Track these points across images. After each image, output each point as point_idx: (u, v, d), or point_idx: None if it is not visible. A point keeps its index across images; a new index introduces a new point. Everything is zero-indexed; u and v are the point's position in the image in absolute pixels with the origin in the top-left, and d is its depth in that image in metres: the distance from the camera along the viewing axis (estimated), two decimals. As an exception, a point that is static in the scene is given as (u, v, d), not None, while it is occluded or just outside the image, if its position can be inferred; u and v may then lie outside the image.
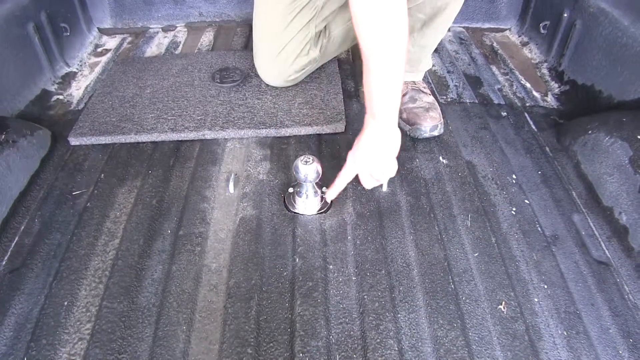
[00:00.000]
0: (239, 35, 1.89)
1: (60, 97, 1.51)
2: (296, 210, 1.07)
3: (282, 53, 1.34)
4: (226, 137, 1.29)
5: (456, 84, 1.55)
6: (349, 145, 1.24)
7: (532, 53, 1.73)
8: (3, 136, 1.11)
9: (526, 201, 1.10)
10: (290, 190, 1.11)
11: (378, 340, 0.82)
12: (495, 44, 1.80)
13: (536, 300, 0.89)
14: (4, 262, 0.97)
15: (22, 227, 1.04)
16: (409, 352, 0.81)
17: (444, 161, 1.21)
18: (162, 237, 1.01)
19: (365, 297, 0.89)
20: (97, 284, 0.92)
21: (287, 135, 1.29)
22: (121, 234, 1.02)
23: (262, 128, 1.29)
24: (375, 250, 0.98)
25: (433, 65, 1.62)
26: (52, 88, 1.53)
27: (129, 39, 1.89)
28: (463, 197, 1.11)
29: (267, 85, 1.46)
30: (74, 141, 1.27)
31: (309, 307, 0.87)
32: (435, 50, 1.69)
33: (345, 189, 1.12)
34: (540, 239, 1.01)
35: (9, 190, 1.09)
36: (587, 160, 1.17)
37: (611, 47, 1.33)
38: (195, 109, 1.36)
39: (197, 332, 0.84)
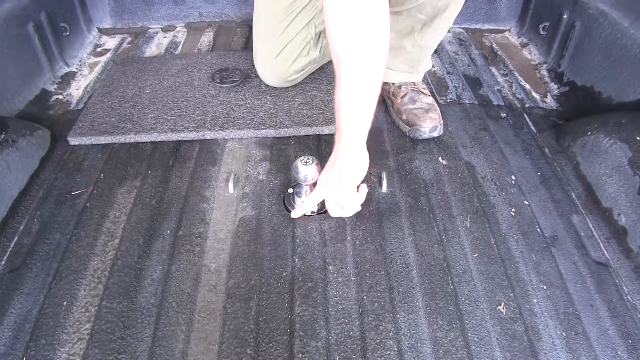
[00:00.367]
0: (238, 35, 1.89)
1: (60, 97, 1.50)
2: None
3: (282, 53, 1.34)
4: (226, 137, 1.29)
5: (456, 85, 1.55)
6: (349, 146, 1.25)
7: (532, 54, 1.73)
8: (3, 136, 1.11)
9: (525, 202, 1.10)
10: (290, 190, 1.11)
11: (377, 340, 0.82)
12: (494, 45, 1.80)
13: (535, 301, 0.89)
14: (3, 262, 0.97)
15: (22, 227, 1.04)
16: (408, 353, 0.81)
17: (444, 162, 1.22)
18: (162, 237, 1.01)
19: (365, 297, 0.89)
20: (96, 284, 0.92)
21: (286, 135, 1.29)
22: (120, 234, 1.02)
23: (262, 128, 1.29)
24: (374, 251, 0.98)
25: (433, 66, 1.62)
26: (52, 88, 1.53)
27: (129, 39, 1.89)
28: (462, 198, 1.11)
29: (267, 85, 1.46)
30: (73, 141, 1.27)
31: (308, 308, 0.87)
32: (435, 51, 1.69)
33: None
34: (540, 240, 1.01)
35: (9, 190, 1.08)
36: (587, 162, 1.17)
37: (610, 48, 1.33)
38: (194, 109, 1.36)
39: (196, 332, 0.84)
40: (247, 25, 1.93)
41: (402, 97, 1.32)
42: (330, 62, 1.55)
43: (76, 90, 1.55)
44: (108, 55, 1.76)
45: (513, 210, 1.08)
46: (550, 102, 1.49)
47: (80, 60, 1.70)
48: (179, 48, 1.81)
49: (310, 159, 1.01)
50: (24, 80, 1.42)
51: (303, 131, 1.29)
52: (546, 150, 1.27)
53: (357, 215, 1.06)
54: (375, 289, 0.91)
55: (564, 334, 0.84)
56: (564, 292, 0.91)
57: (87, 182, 1.16)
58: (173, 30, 1.94)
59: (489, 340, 0.83)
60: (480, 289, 0.91)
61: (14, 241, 1.01)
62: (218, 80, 1.48)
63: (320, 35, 1.40)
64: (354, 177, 0.94)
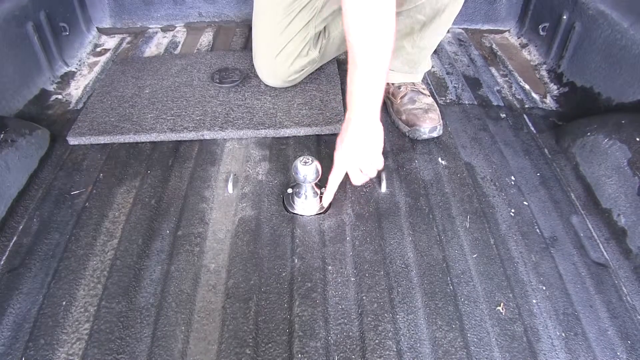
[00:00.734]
0: (238, 35, 1.89)
1: (59, 96, 1.50)
2: (295, 211, 1.07)
3: (281, 54, 1.34)
4: (225, 137, 1.29)
5: (455, 85, 1.55)
6: (348, 146, 1.25)
7: (531, 55, 1.73)
8: (2, 135, 1.11)
9: (525, 203, 1.10)
10: (289, 190, 1.11)
11: (377, 341, 0.82)
12: (494, 46, 1.80)
13: (534, 301, 0.89)
14: (2, 262, 0.97)
15: (21, 227, 1.04)
16: (408, 353, 0.81)
17: (443, 162, 1.22)
18: (161, 237, 1.01)
19: (364, 298, 0.89)
20: (95, 284, 0.92)
21: (286, 135, 1.29)
22: (120, 234, 1.02)
23: (261, 128, 1.29)
24: (374, 251, 0.98)
25: (432, 67, 1.62)
26: (51, 88, 1.53)
27: (128, 38, 1.88)
28: (462, 199, 1.11)
29: (266, 85, 1.46)
30: (72, 141, 1.27)
31: (307, 308, 0.87)
32: (435, 52, 1.69)
33: (345, 190, 1.12)
34: (539, 241, 1.01)
35: (8, 189, 1.08)
36: (586, 162, 1.17)
37: (610, 49, 1.33)
38: (194, 109, 1.36)
39: (195, 333, 0.84)
40: (247, 25, 1.93)
41: (401, 98, 1.32)
42: (329, 63, 1.56)
43: (75, 90, 1.55)
44: (107, 55, 1.76)
45: (512, 210, 1.08)
46: (549, 102, 1.49)
47: (79, 60, 1.70)
48: (179, 48, 1.81)
49: (310, 159, 1.01)
50: (23, 80, 1.42)
51: (302, 131, 1.29)
52: (546, 150, 1.27)
53: (357, 215, 1.06)
54: (374, 289, 0.91)
55: (563, 334, 0.84)
56: (564, 293, 0.91)
57: (86, 182, 1.15)
58: (172, 30, 1.94)
59: (488, 341, 0.83)
60: (479, 290, 0.91)
61: (13, 241, 1.01)
62: (217, 80, 1.48)
63: (320, 35, 1.40)
64: (376, 144, 1.02)
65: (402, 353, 0.81)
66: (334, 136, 1.28)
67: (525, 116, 1.41)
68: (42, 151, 1.23)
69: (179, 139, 1.28)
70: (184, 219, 1.05)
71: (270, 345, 0.82)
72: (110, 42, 1.85)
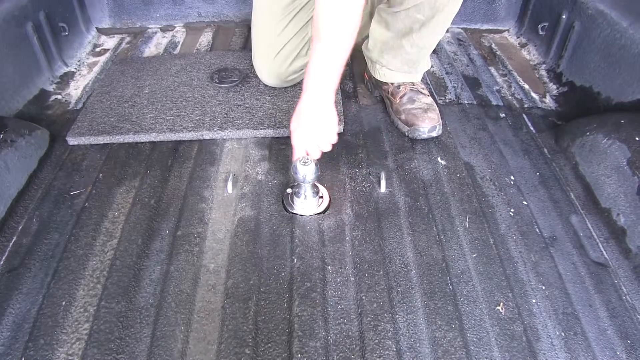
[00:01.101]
0: (237, 35, 1.89)
1: (59, 96, 1.50)
2: (295, 211, 1.07)
3: (280, 54, 1.34)
4: (225, 137, 1.29)
5: (454, 85, 1.55)
6: (348, 146, 1.25)
7: (531, 54, 1.73)
8: (1, 136, 1.11)
9: (524, 202, 1.10)
10: (289, 190, 1.11)
11: (376, 340, 0.82)
12: (493, 45, 1.80)
13: (534, 301, 0.90)
14: (2, 262, 0.97)
15: (20, 227, 1.04)
16: (407, 353, 0.81)
17: (443, 162, 1.22)
18: (161, 237, 1.01)
19: (364, 297, 0.89)
20: (95, 284, 0.92)
21: (285, 135, 1.29)
22: (119, 234, 1.02)
23: (261, 128, 1.29)
24: (373, 251, 0.98)
25: (432, 67, 1.62)
26: (51, 88, 1.53)
27: (128, 38, 1.88)
28: (461, 198, 1.11)
29: (266, 85, 1.46)
30: (72, 141, 1.27)
31: (307, 308, 0.87)
32: (434, 51, 1.69)
33: (344, 190, 1.12)
34: (539, 240, 1.01)
35: (7, 189, 1.08)
36: (585, 162, 1.17)
37: (609, 48, 1.34)
38: (193, 109, 1.36)
39: (195, 333, 0.84)
40: (246, 26, 1.93)
41: (400, 97, 1.32)
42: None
43: (75, 90, 1.55)
44: (107, 55, 1.76)
45: (512, 210, 1.08)
46: (549, 102, 1.49)
47: (79, 60, 1.70)
48: (178, 48, 1.81)
49: (309, 158, 1.01)
50: (22, 80, 1.42)
51: (302, 131, 1.29)
52: (545, 150, 1.27)
53: (356, 215, 1.06)
54: (374, 289, 0.91)
55: (562, 334, 0.84)
56: (563, 292, 0.91)
57: (85, 182, 1.15)
58: (172, 30, 1.94)
59: (488, 341, 0.83)
60: (479, 289, 0.91)
61: (13, 241, 1.01)
62: (217, 80, 1.48)
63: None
64: (326, 125, 1.05)
65: (402, 353, 0.81)
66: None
67: (524, 116, 1.41)
68: (42, 151, 1.23)
69: (179, 139, 1.28)
70: (183, 219, 1.05)
71: (269, 345, 0.82)
72: (109, 42, 1.85)
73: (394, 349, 0.81)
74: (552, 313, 0.88)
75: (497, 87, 1.55)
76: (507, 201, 1.11)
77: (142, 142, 1.28)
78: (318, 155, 1.07)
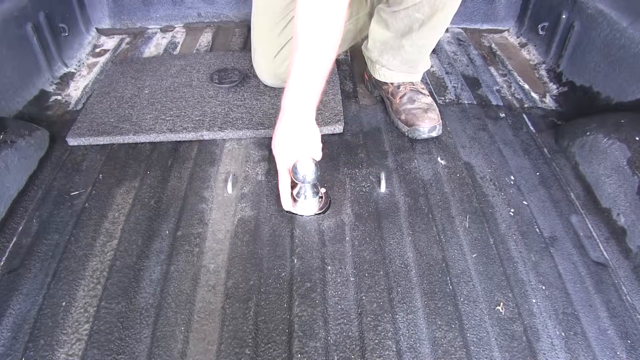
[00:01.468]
0: (237, 35, 1.89)
1: (59, 97, 1.50)
2: (294, 211, 1.07)
3: (280, 54, 1.34)
4: (224, 137, 1.29)
5: (454, 85, 1.55)
6: (348, 146, 1.25)
7: (531, 54, 1.73)
8: (1, 136, 1.11)
9: (524, 202, 1.10)
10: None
11: (376, 341, 0.82)
12: (493, 45, 1.80)
13: (534, 301, 0.89)
14: (2, 263, 0.97)
15: (20, 228, 1.04)
16: (407, 353, 0.81)
17: (442, 162, 1.22)
18: (160, 237, 1.01)
19: (364, 298, 0.89)
20: (95, 284, 0.92)
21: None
22: (119, 235, 1.02)
23: (261, 129, 1.29)
24: (373, 251, 0.98)
25: (431, 66, 1.62)
26: (51, 88, 1.53)
27: (127, 39, 1.89)
28: (461, 198, 1.11)
29: (266, 86, 1.46)
30: (72, 141, 1.27)
31: (307, 308, 0.87)
32: (434, 51, 1.69)
33: (344, 190, 1.12)
34: (539, 240, 1.01)
35: (7, 190, 1.08)
36: (586, 162, 1.17)
37: (609, 48, 1.33)
38: (193, 109, 1.36)
39: (195, 333, 0.84)
40: (246, 26, 1.93)
41: (400, 97, 1.32)
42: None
43: (75, 90, 1.55)
44: (107, 55, 1.76)
45: (512, 210, 1.08)
46: (549, 102, 1.49)
47: (79, 61, 1.70)
48: (178, 48, 1.81)
49: (309, 159, 1.00)
50: (22, 80, 1.42)
51: (302, 131, 1.29)
52: (545, 150, 1.27)
53: (356, 215, 1.06)
54: (374, 289, 0.91)
55: (563, 334, 0.84)
56: (563, 293, 0.91)
57: (85, 182, 1.15)
58: (172, 31, 1.94)
59: (488, 341, 0.83)
60: (479, 289, 0.91)
61: (13, 242, 1.01)
62: (217, 81, 1.48)
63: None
64: (305, 141, 1.01)
65: (402, 353, 0.81)
66: (333, 136, 1.29)
67: (524, 116, 1.41)
68: (42, 152, 1.23)
69: (178, 140, 1.28)
70: (183, 220, 1.05)
71: (269, 345, 0.82)
72: (109, 43, 1.85)
73: (394, 349, 0.81)
74: (552, 313, 0.88)
75: (497, 87, 1.55)
76: (507, 201, 1.11)
77: (142, 143, 1.28)
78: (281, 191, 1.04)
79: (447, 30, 1.86)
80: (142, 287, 0.91)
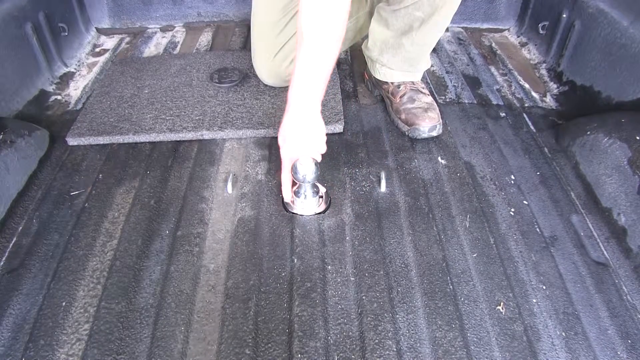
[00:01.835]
0: (237, 35, 1.88)
1: (58, 97, 1.50)
2: (295, 211, 1.07)
3: (280, 53, 1.34)
4: (224, 137, 1.29)
5: (455, 84, 1.55)
6: (348, 146, 1.25)
7: (531, 53, 1.73)
8: (1, 136, 1.11)
9: (525, 202, 1.10)
10: (289, 190, 1.11)
11: (376, 341, 0.82)
12: (494, 45, 1.80)
13: (535, 301, 0.89)
14: (1, 263, 0.96)
15: (20, 228, 1.04)
16: (408, 353, 0.81)
17: (443, 162, 1.21)
18: (160, 237, 1.01)
19: (364, 297, 0.89)
20: (95, 284, 0.92)
21: (285, 135, 1.29)
22: (119, 235, 1.02)
23: (261, 128, 1.29)
24: (373, 251, 0.98)
25: (432, 66, 1.62)
26: (50, 88, 1.53)
27: (127, 39, 1.88)
28: (462, 198, 1.11)
29: (266, 85, 1.46)
30: (72, 141, 1.27)
31: (307, 308, 0.87)
32: (434, 51, 1.69)
33: (344, 190, 1.12)
34: (539, 240, 1.01)
35: (7, 190, 1.08)
36: (586, 161, 1.17)
37: (610, 47, 1.33)
38: (193, 109, 1.36)
39: (195, 333, 0.84)
40: (246, 25, 1.93)
41: (401, 97, 1.31)
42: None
43: (75, 90, 1.55)
44: (106, 55, 1.76)
45: (512, 210, 1.08)
46: (549, 101, 1.49)
47: (78, 61, 1.70)
48: (178, 48, 1.81)
49: (309, 158, 1.00)
50: (22, 80, 1.42)
51: (302, 131, 1.29)
52: (545, 149, 1.27)
53: (356, 215, 1.06)
54: (374, 289, 0.91)
55: (563, 334, 0.84)
56: (564, 292, 0.91)
57: (85, 182, 1.15)
58: (171, 30, 1.94)
59: (488, 340, 0.83)
60: (479, 289, 0.91)
61: (13, 242, 1.01)
62: (217, 80, 1.48)
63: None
64: (310, 135, 1.03)
65: (402, 353, 0.81)
66: (333, 135, 1.28)
67: (524, 115, 1.41)
68: (42, 152, 1.23)
69: (178, 139, 1.28)
70: (183, 219, 1.05)
71: (269, 345, 0.82)
72: (109, 43, 1.85)
73: (394, 349, 0.81)
74: (553, 313, 0.87)
75: (498, 87, 1.55)
76: (508, 201, 1.10)
77: (142, 143, 1.28)
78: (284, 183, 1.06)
79: (447, 30, 1.86)
80: (142, 287, 0.91)
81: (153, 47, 1.81)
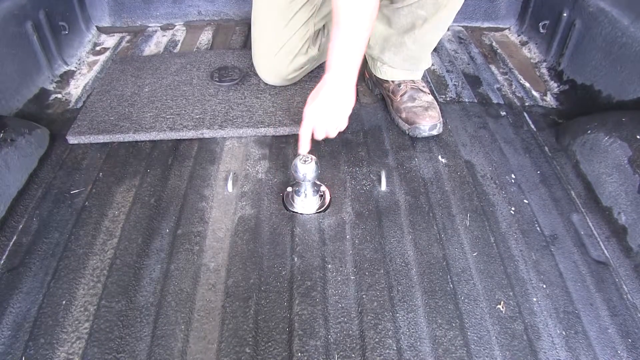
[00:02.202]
0: (237, 34, 1.88)
1: (59, 95, 1.50)
2: (295, 210, 1.07)
3: (280, 52, 1.33)
4: (225, 136, 1.29)
5: (455, 83, 1.55)
6: (348, 145, 1.25)
7: (532, 52, 1.73)
8: (1, 135, 1.11)
9: (525, 201, 1.10)
10: (289, 189, 1.11)
11: (377, 339, 0.82)
12: (494, 44, 1.80)
13: (535, 300, 0.89)
14: (2, 261, 0.96)
15: (21, 226, 1.04)
16: (408, 352, 0.81)
17: (443, 160, 1.21)
18: (161, 236, 1.01)
19: (364, 296, 0.89)
20: (95, 283, 0.92)
21: (285, 134, 1.29)
22: (119, 233, 1.02)
23: (261, 127, 1.29)
24: (374, 250, 0.98)
25: (432, 65, 1.62)
26: (51, 87, 1.52)
27: (128, 37, 1.88)
28: (462, 197, 1.11)
29: (266, 84, 1.46)
30: (72, 140, 1.27)
31: (307, 307, 0.87)
32: (435, 50, 1.68)
33: (345, 189, 1.12)
34: (539, 239, 1.01)
35: (7, 189, 1.08)
36: (586, 160, 1.17)
37: (610, 46, 1.33)
38: (193, 107, 1.36)
39: (195, 332, 0.84)
40: (246, 24, 1.93)
41: (401, 95, 1.31)
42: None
43: (75, 89, 1.54)
44: (107, 54, 1.76)
45: (513, 208, 1.08)
46: (550, 100, 1.48)
47: (79, 59, 1.70)
48: (178, 46, 1.81)
49: (310, 157, 1.00)
50: (22, 79, 1.42)
51: (302, 130, 1.29)
52: (546, 148, 1.26)
53: (357, 214, 1.06)
54: (374, 287, 0.91)
55: (563, 332, 0.84)
56: (564, 291, 0.91)
57: (86, 181, 1.15)
58: (172, 29, 1.94)
59: (489, 339, 0.83)
60: (479, 288, 0.91)
61: (13, 240, 1.01)
62: (217, 79, 1.48)
63: (319, 33, 1.40)
64: (344, 106, 1.07)
65: (402, 351, 0.81)
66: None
67: (525, 114, 1.41)
68: (42, 150, 1.23)
69: (179, 138, 1.28)
70: (183, 218, 1.05)
71: (270, 344, 0.82)
72: (109, 41, 1.85)
73: (395, 348, 0.81)
74: (553, 312, 0.87)
75: (498, 85, 1.54)
76: (508, 199, 1.10)
77: (142, 141, 1.28)
78: (322, 137, 1.08)
79: (447, 29, 1.85)
80: (142, 285, 0.91)
81: (153, 46, 1.81)
